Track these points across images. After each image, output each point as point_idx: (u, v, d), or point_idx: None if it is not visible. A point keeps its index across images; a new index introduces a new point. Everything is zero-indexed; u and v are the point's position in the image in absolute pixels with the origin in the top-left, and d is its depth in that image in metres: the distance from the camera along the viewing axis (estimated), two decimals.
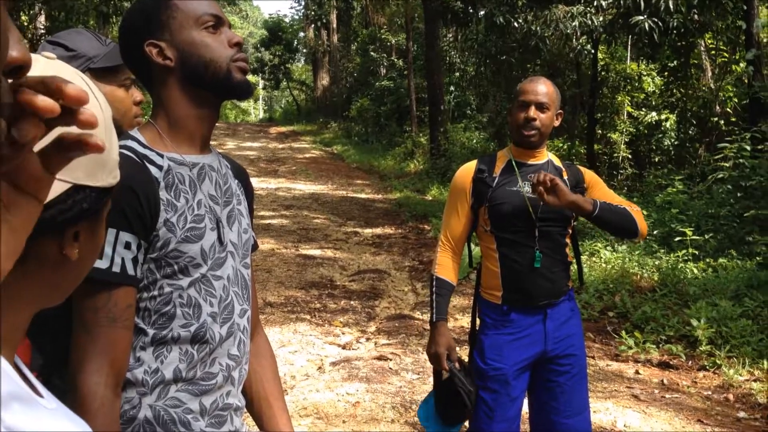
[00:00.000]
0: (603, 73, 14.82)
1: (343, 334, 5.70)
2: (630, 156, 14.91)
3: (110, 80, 1.73)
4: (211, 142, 1.54)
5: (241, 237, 1.51)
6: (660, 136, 14.36)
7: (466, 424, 2.67)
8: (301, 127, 30.82)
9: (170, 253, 1.32)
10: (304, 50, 37.34)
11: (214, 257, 1.40)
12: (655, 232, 9.11)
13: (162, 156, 1.36)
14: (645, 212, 9.68)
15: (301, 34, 37.99)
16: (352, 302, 6.56)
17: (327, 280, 7.33)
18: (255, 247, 1.63)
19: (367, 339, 5.59)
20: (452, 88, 20.30)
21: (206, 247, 1.38)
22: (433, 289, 2.61)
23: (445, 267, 2.63)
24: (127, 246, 1.26)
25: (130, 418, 1.30)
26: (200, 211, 1.38)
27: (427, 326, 5.83)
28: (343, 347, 5.36)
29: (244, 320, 1.48)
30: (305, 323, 5.87)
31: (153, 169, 1.33)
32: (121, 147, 1.33)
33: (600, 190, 2.68)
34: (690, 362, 5.21)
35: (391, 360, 5.04)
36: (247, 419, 1.86)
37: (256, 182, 14.60)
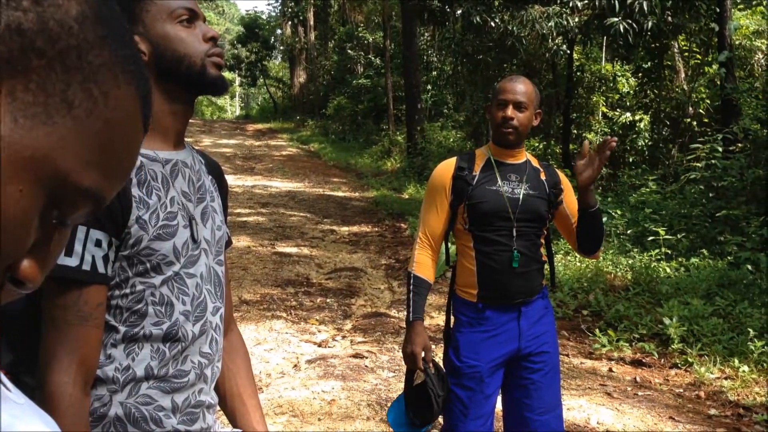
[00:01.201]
0: (578, 73, 14.94)
1: (319, 332, 5.69)
2: None
3: None
4: (187, 139, 1.53)
5: (215, 234, 1.49)
6: (634, 136, 14.51)
7: (441, 420, 2.68)
8: (278, 125, 30.70)
9: (142, 250, 1.31)
10: (281, 47, 37.21)
11: (187, 255, 1.39)
12: (628, 232, 9.21)
13: None
14: (619, 212, 9.80)
15: (278, 31, 37.84)
16: (328, 300, 6.55)
17: (303, 278, 7.31)
18: (229, 243, 1.62)
19: (343, 337, 5.59)
20: (429, 86, 20.34)
21: (179, 245, 1.36)
22: (411, 287, 2.60)
23: (423, 265, 2.62)
24: (98, 244, 1.24)
25: (101, 415, 1.28)
26: (173, 209, 1.37)
27: (404, 324, 5.85)
28: (319, 345, 5.35)
29: (217, 318, 1.47)
30: (281, 321, 5.85)
31: None
32: None
33: (571, 197, 2.72)
34: (662, 360, 5.27)
35: (366, 358, 5.04)
36: (221, 417, 1.85)
37: (232, 180, 14.52)
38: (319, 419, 3.98)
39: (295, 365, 4.89)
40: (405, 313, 2.64)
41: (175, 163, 1.40)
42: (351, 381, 4.57)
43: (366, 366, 4.88)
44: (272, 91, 38.79)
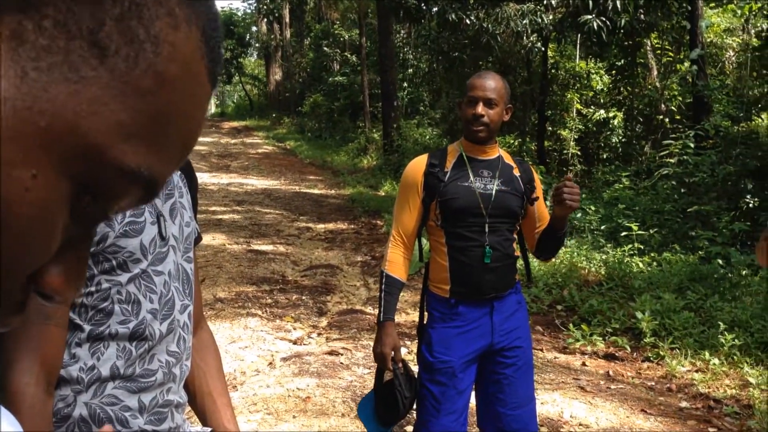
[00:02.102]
0: (553, 70, 15.05)
1: (294, 329, 5.67)
2: (579, 153, 15.17)
3: None
4: None
5: (183, 230, 1.47)
6: (608, 133, 14.64)
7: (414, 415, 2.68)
8: (254, 123, 30.55)
9: (108, 248, 1.28)
10: (257, 45, 37.00)
11: (155, 252, 1.37)
12: (602, 228, 9.29)
13: None
14: (593, 208, 9.89)
15: (254, 28, 37.65)
16: (303, 297, 6.53)
17: (278, 276, 7.28)
18: (198, 240, 1.60)
19: (319, 334, 5.58)
20: (405, 84, 20.36)
21: (146, 242, 1.34)
22: (383, 287, 2.60)
23: (396, 264, 2.62)
24: None
25: (65, 416, 1.27)
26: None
27: None
28: (294, 342, 5.34)
29: (185, 316, 1.45)
30: (256, 319, 5.82)
31: None
32: None
33: (541, 201, 2.74)
34: (635, 354, 5.33)
35: (342, 355, 5.03)
36: (191, 417, 1.83)
37: (207, 177, 14.44)
38: (294, 416, 3.97)
39: (270, 363, 4.87)
40: (377, 312, 2.64)
41: None
42: (326, 378, 4.56)
43: (341, 363, 4.88)
44: (248, 89, 38.59)
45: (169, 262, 1.40)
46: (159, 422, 1.38)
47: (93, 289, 1.28)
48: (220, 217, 10.40)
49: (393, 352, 2.55)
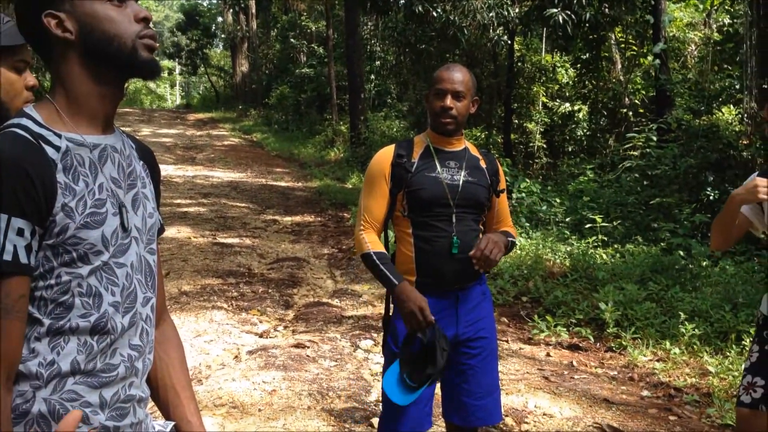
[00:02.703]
0: (519, 64, 15.15)
1: (260, 322, 5.64)
2: (545, 145, 15.32)
3: (1, 61, 1.64)
4: (125, 129, 1.48)
5: (146, 222, 1.45)
6: (573, 126, 14.81)
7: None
8: (220, 114, 30.26)
9: (68, 240, 1.25)
10: (223, 35, 36.62)
11: (117, 244, 1.34)
12: (567, 220, 9.41)
13: (60, 136, 1.28)
14: (558, 200, 9.99)
15: (219, 18, 37.27)
16: (269, 290, 6.50)
17: (245, 269, 7.24)
18: (161, 231, 1.57)
19: (285, 327, 5.56)
20: (373, 76, 20.32)
21: (108, 234, 1.32)
22: (376, 262, 2.53)
23: (376, 243, 2.58)
24: (20, 233, 1.19)
25: (23, 412, 1.24)
26: (101, 196, 1.32)
27: (345, 313, 5.86)
28: (260, 336, 5.31)
29: (148, 309, 1.43)
30: (222, 312, 5.78)
31: (50, 150, 1.25)
32: (13, 126, 1.26)
33: (502, 196, 2.76)
34: (598, 344, 5.41)
35: (308, 347, 5.02)
36: (155, 412, 1.81)
37: (172, 170, 14.27)
38: (260, 410, 3.95)
39: (236, 356, 4.84)
40: (384, 286, 2.53)
41: (103, 148, 1.35)
42: (292, 371, 4.55)
43: (307, 356, 4.87)
44: (214, 80, 38.19)
45: (132, 254, 1.38)
46: (121, 418, 1.36)
47: (53, 281, 1.26)
48: (185, 209, 10.30)
49: (422, 308, 2.45)
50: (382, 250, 2.59)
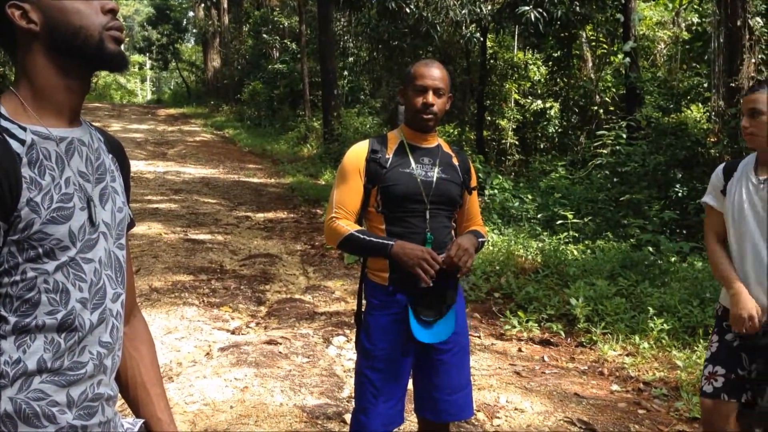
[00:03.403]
0: (491, 61, 15.22)
1: (232, 319, 5.61)
2: (517, 142, 15.42)
3: None
4: (96, 124, 1.45)
5: (115, 216, 1.42)
6: (545, 123, 14.92)
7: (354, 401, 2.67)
8: (192, 110, 30.01)
9: (34, 235, 1.23)
10: (194, 30, 36.26)
11: (84, 239, 1.32)
12: (539, 216, 9.48)
13: (25, 129, 1.25)
14: (530, 196, 10.06)
15: (191, 13, 36.88)
16: (242, 287, 6.46)
17: (217, 265, 7.19)
18: (131, 225, 1.55)
19: (257, 324, 5.53)
20: (346, 72, 20.28)
21: (75, 229, 1.29)
22: (361, 238, 2.50)
23: (352, 225, 2.55)
24: None
25: None
26: (68, 190, 1.29)
27: (318, 309, 5.84)
28: (232, 332, 5.28)
29: (117, 305, 1.41)
30: (193, 309, 5.73)
31: (14, 144, 1.23)
32: None
33: (473, 194, 2.77)
34: (569, 339, 5.46)
35: (280, 344, 5.00)
36: (125, 410, 1.79)
37: (143, 165, 14.12)
38: (232, 407, 3.93)
39: (207, 353, 4.80)
40: (380, 255, 2.51)
41: (70, 141, 1.33)
42: (264, 368, 4.53)
43: (280, 352, 4.85)
44: (185, 76, 37.84)
45: (100, 249, 1.35)
46: (89, 417, 1.34)
47: (18, 278, 1.23)
48: (156, 205, 10.19)
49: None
50: (360, 227, 2.57)
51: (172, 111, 30.24)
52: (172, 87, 44.92)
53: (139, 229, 8.44)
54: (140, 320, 1.64)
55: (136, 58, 45.39)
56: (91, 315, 1.33)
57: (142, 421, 1.54)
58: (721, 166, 2.88)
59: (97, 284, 1.35)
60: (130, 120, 24.62)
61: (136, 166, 13.93)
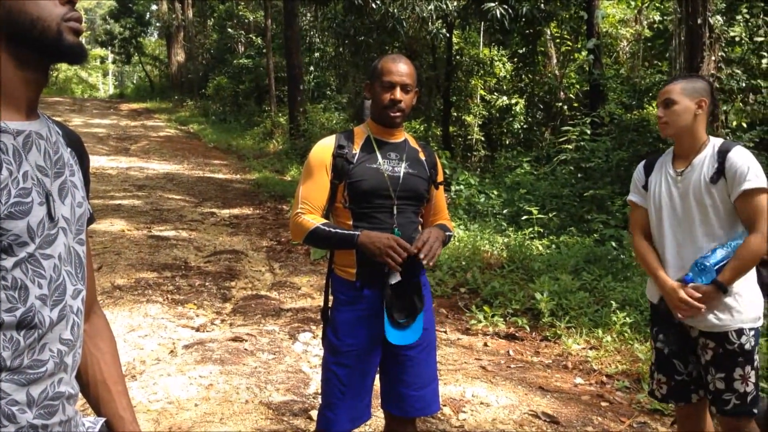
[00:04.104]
0: (457, 57, 15.27)
1: (197, 316, 5.55)
2: (483, 138, 15.50)
3: None
4: (56, 119, 1.42)
5: (75, 211, 1.39)
6: (510, 119, 15.03)
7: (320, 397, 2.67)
8: (155, 105, 29.64)
9: None
10: (158, 24, 35.75)
11: (43, 234, 1.29)
12: (504, 211, 9.55)
13: None
14: (496, 192, 10.13)
15: (154, 6, 36.36)
16: (207, 284, 6.40)
17: (181, 262, 7.11)
18: (91, 220, 1.52)
19: (222, 320, 5.49)
20: (312, 68, 20.20)
21: (34, 224, 1.26)
22: (327, 230, 2.48)
23: (318, 219, 2.53)
24: None
25: None
26: (26, 184, 1.26)
27: (284, 306, 5.82)
28: (197, 329, 5.23)
29: (78, 301, 1.38)
30: (157, 306, 5.66)
31: None
32: None
33: (439, 189, 2.77)
34: (534, 333, 5.52)
35: (246, 341, 4.97)
36: (87, 410, 1.76)
37: (105, 161, 13.90)
38: (196, 405, 3.89)
39: (172, 351, 4.75)
40: (346, 247, 2.51)
41: (28, 135, 1.30)
42: (230, 365, 4.50)
43: (245, 349, 4.82)
44: (148, 70, 37.34)
45: (60, 245, 1.33)
46: (49, 416, 1.31)
47: None
48: (119, 202, 10.04)
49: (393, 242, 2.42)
50: (326, 221, 2.56)
51: (135, 106, 29.84)
52: (135, 81, 44.32)
53: (102, 225, 8.31)
54: (101, 317, 1.61)
55: (97, 51, 44.65)
56: (51, 312, 1.30)
57: (104, 419, 1.52)
58: (642, 162, 3.00)
59: (57, 280, 1.32)
60: (91, 115, 24.22)
61: (98, 161, 13.71)
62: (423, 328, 2.67)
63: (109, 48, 36.15)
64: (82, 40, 1.37)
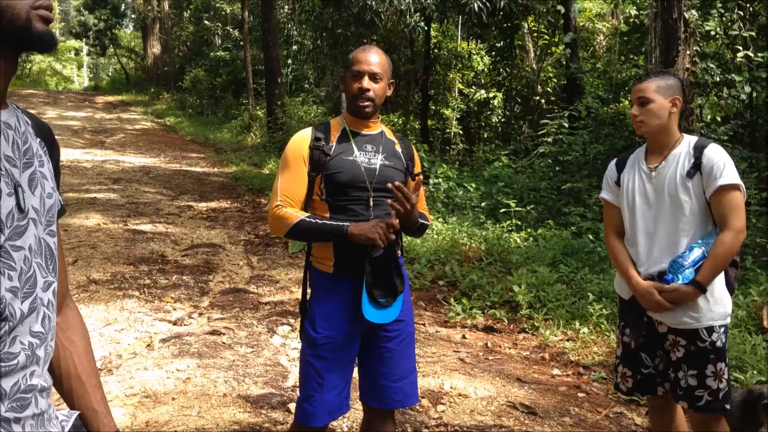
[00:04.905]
0: (436, 50, 15.28)
1: (174, 309, 5.51)
2: (461, 132, 15.54)
3: None
4: (31, 111, 1.39)
5: (45, 202, 1.37)
6: (488, 113, 15.08)
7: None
8: (131, 97, 29.33)
9: None
10: (133, 16, 35.37)
11: (13, 226, 1.26)
12: (483, 205, 9.58)
13: None
14: (474, 185, 10.15)
15: None
16: (184, 277, 6.35)
17: (158, 256, 7.04)
18: (62, 212, 1.50)
19: (200, 314, 5.45)
20: (290, 61, 20.09)
21: (3, 215, 1.24)
22: (312, 222, 2.48)
23: (300, 211, 2.52)
24: None
25: None
26: None
27: (262, 299, 5.80)
28: (174, 323, 5.18)
29: (49, 294, 1.36)
30: (133, 300, 5.61)
31: None
32: None
33: (417, 179, 2.76)
34: (512, 326, 5.54)
35: (224, 334, 4.94)
36: (60, 404, 1.74)
37: (80, 154, 13.75)
38: (173, 399, 3.86)
39: (149, 345, 4.71)
40: (334, 239, 2.51)
41: None
42: (207, 358, 4.47)
43: (223, 343, 4.79)
44: (124, 62, 36.93)
45: (30, 236, 1.30)
46: (22, 409, 1.29)
47: None
48: (94, 195, 9.92)
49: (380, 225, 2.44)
50: (308, 213, 2.55)
51: (110, 98, 29.51)
52: (110, 74, 43.81)
53: (77, 219, 8.21)
54: (73, 310, 1.58)
55: (72, 43, 44.06)
56: (22, 304, 1.28)
57: (77, 413, 1.50)
58: (614, 159, 3.04)
59: (28, 272, 1.30)
60: (66, 107, 23.92)
61: (73, 154, 13.55)
62: (402, 319, 2.67)
63: (84, 40, 35.65)
64: (55, 29, 1.34)
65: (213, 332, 4.97)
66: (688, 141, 2.77)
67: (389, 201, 2.46)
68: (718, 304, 2.70)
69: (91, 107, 25.16)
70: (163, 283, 6.16)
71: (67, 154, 13.26)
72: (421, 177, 2.70)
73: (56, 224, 1.44)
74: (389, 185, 2.47)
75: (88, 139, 16.56)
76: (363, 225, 2.47)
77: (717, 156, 2.67)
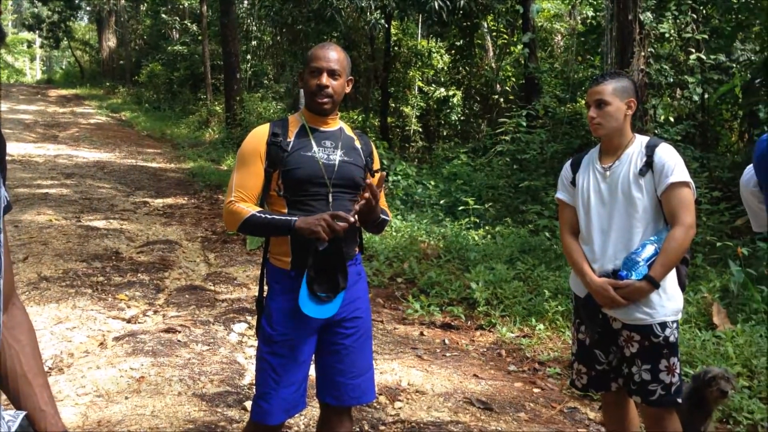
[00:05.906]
0: (396, 48, 15.31)
1: (128, 307, 5.41)
2: (420, 129, 15.59)
3: None
4: None
5: None
6: (448, 111, 15.15)
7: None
8: (85, 91, 28.77)
9: None
10: (88, 8, 34.63)
11: None
12: (441, 202, 9.63)
13: None
14: (433, 183, 10.19)
15: None
16: (139, 275, 6.25)
17: (112, 252, 6.92)
18: (8, 208, 1.45)
19: (155, 312, 5.37)
20: (249, 56, 19.91)
21: None
22: (262, 217, 2.45)
23: (253, 207, 2.50)
24: None
25: None
26: None
27: (219, 296, 5.74)
28: (128, 321, 5.10)
29: None
30: (86, 298, 5.50)
31: None
32: None
33: (381, 174, 2.76)
34: (469, 322, 5.58)
35: (180, 332, 4.87)
36: (8, 405, 1.69)
37: (31, 148, 13.43)
38: (127, 398, 3.79)
39: (101, 343, 4.62)
40: (283, 233, 2.47)
41: None
42: (162, 357, 4.40)
43: (179, 340, 4.72)
44: (78, 55, 36.20)
45: None
46: None
47: None
48: (46, 190, 9.70)
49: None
50: (260, 208, 2.52)
51: (64, 92, 28.90)
52: (64, 67, 42.91)
53: (28, 215, 8.02)
54: (19, 308, 1.54)
55: (24, 35, 43.00)
56: None
57: (24, 413, 1.46)
58: (569, 160, 3.08)
59: None
60: (18, 100, 23.35)
61: (25, 149, 13.23)
62: (359, 316, 2.66)
63: (37, 32, 34.80)
64: (7, 21, 1.30)
65: (168, 330, 4.90)
66: (641, 141, 2.83)
67: (361, 194, 2.43)
68: (670, 300, 2.76)
69: (44, 101, 24.61)
70: (117, 280, 6.05)
71: (18, 149, 12.94)
72: (385, 173, 2.70)
73: (2, 221, 1.40)
74: (368, 181, 2.45)
75: (40, 133, 16.19)
76: (308, 218, 2.44)
77: (668, 155, 2.73)
